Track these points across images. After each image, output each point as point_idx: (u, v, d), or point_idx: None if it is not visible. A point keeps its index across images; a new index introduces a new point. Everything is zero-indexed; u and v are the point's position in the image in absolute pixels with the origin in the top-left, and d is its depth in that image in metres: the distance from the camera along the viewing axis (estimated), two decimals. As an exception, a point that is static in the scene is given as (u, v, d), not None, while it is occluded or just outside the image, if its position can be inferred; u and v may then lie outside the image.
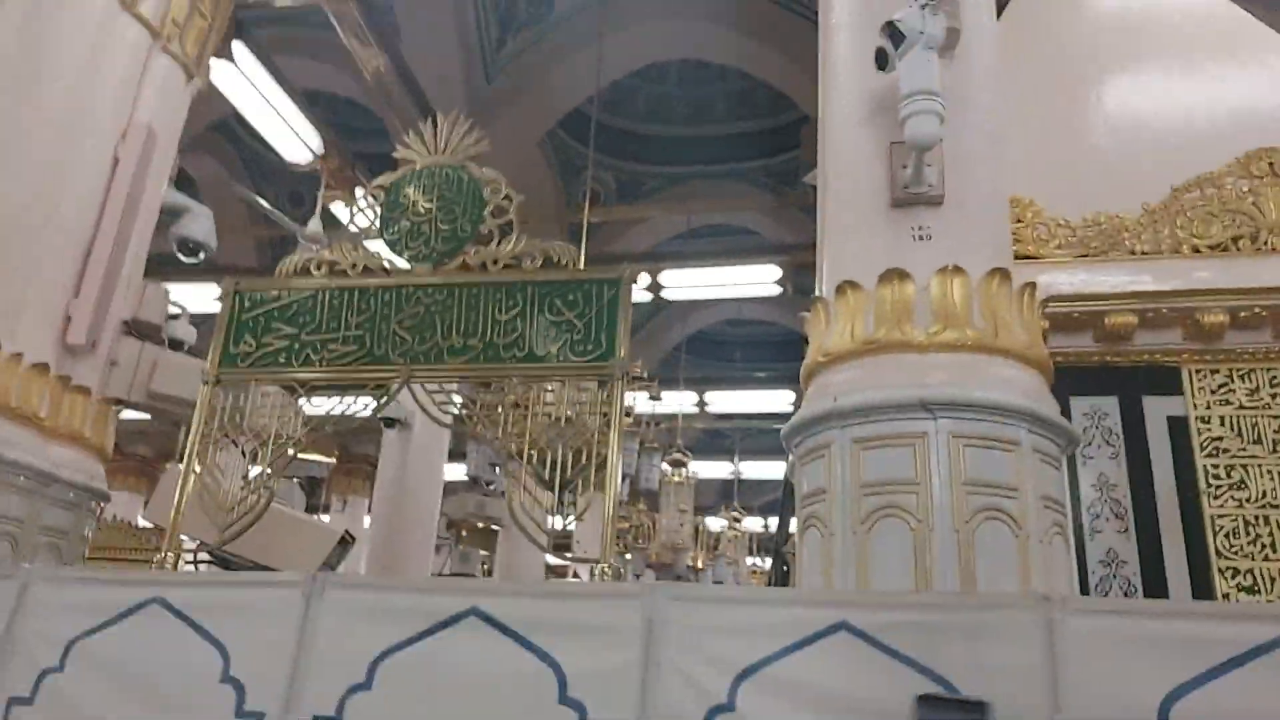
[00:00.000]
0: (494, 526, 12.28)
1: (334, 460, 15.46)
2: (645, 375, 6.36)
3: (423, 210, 4.46)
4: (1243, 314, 3.54)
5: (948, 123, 3.42)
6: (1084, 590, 3.43)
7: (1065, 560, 2.93)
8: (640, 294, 11.03)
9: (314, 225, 8.13)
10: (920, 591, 2.71)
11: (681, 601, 2.69)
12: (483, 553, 12.46)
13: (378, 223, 4.50)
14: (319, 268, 4.46)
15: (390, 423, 9.14)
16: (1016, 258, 3.86)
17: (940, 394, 2.89)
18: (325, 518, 14.23)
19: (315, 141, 8.04)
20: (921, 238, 3.26)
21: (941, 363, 3.00)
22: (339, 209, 8.71)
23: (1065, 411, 3.74)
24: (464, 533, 12.42)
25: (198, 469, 4.15)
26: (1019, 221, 3.92)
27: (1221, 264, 3.64)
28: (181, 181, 6.30)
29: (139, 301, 5.17)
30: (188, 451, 4.20)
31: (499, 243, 4.30)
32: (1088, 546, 3.56)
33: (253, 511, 4.07)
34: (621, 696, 2.63)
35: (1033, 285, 3.35)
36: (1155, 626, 2.29)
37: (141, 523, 8.75)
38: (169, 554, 4.04)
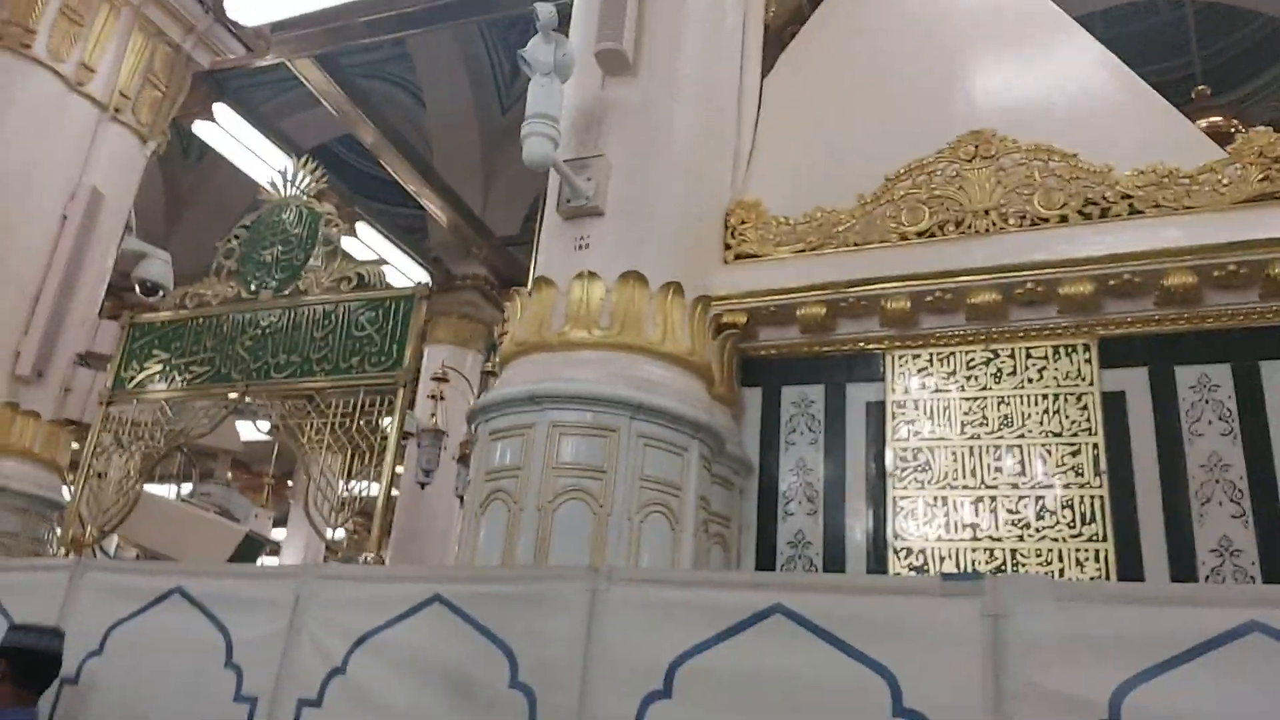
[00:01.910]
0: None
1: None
2: (446, 378, 6.79)
3: (269, 243, 5.11)
4: (928, 299, 3.61)
5: (619, 137, 3.75)
6: (769, 569, 3.60)
7: (669, 536, 3.16)
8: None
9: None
10: (499, 566, 3.04)
11: (326, 579, 3.12)
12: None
13: (237, 258, 5.17)
14: (191, 300, 5.19)
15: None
16: (741, 257, 4.08)
17: (547, 388, 3.21)
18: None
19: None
20: (581, 246, 3.58)
21: (558, 360, 3.31)
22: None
23: (776, 401, 3.94)
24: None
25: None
26: (744, 223, 4.11)
27: (926, 250, 3.69)
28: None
29: (92, 337, 6.09)
30: (82, 461, 5.02)
31: (326, 268, 4.88)
32: (779, 528, 3.69)
33: (122, 510, 4.83)
34: (270, 659, 3.07)
35: (706, 298, 3.62)
36: (672, 594, 2.44)
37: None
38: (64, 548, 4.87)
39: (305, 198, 5.15)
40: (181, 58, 6.95)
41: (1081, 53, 4.16)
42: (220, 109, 7.93)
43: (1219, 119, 6.78)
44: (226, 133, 8.08)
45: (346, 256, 5.05)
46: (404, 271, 9.89)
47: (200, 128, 8.00)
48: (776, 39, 5.13)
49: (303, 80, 7.96)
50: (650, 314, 3.42)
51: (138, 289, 6.72)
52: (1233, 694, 1.82)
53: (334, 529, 4.32)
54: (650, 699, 2.48)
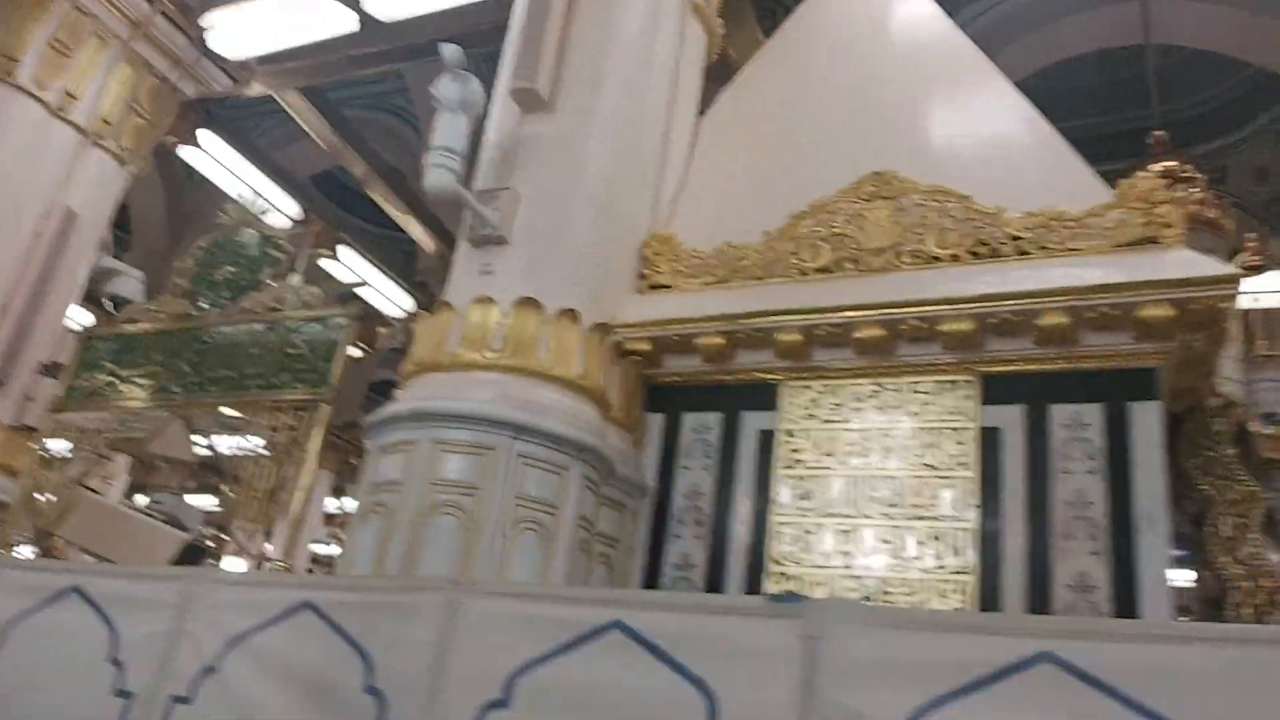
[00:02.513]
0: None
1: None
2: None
3: (222, 263, 5.31)
4: (817, 333, 3.70)
5: (531, 171, 3.91)
6: (653, 587, 3.67)
7: (540, 553, 3.25)
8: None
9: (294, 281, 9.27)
10: (368, 576, 3.15)
11: (210, 583, 3.25)
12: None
13: (190, 277, 5.36)
14: (145, 315, 5.38)
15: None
16: (655, 287, 4.20)
17: (431, 406, 3.33)
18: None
19: (293, 209, 9.19)
20: (485, 273, 3.73)
21: (454, 381, 3.44)
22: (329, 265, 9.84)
23: (676, 426, 4.03)
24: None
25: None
26: (658, 255, 4.23)
27: (820, 286, 3.79)
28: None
29: (58, 348, 6.31)
30: (27, 466, 5.19)
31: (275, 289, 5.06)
32: (665, 549, 3.75)
33: (60, 512, 4.98)
34: (151, 656, 3.18)
35: (604, 325, 3.75)
36: (522, 607, 2.54)
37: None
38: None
39: (258, 221, 5.34)
40: (168, 88, 7.25)
41: (997, 99, 4.28)
42: (206, 135, 8.21)
43: (1173, 164, 6.87)
44: (212, 158, 8.35)
45: (330, 277, 5.23)
46: (387, 295, 10.11)
47: (186, 152, 8.28)
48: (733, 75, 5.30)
49: (290, 113, 8.25)
50: (544, 339, 3.54)
51: (108, 303, 6.95)
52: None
53: (260, 537, 4.45)
54: (489, 708, 2.56)
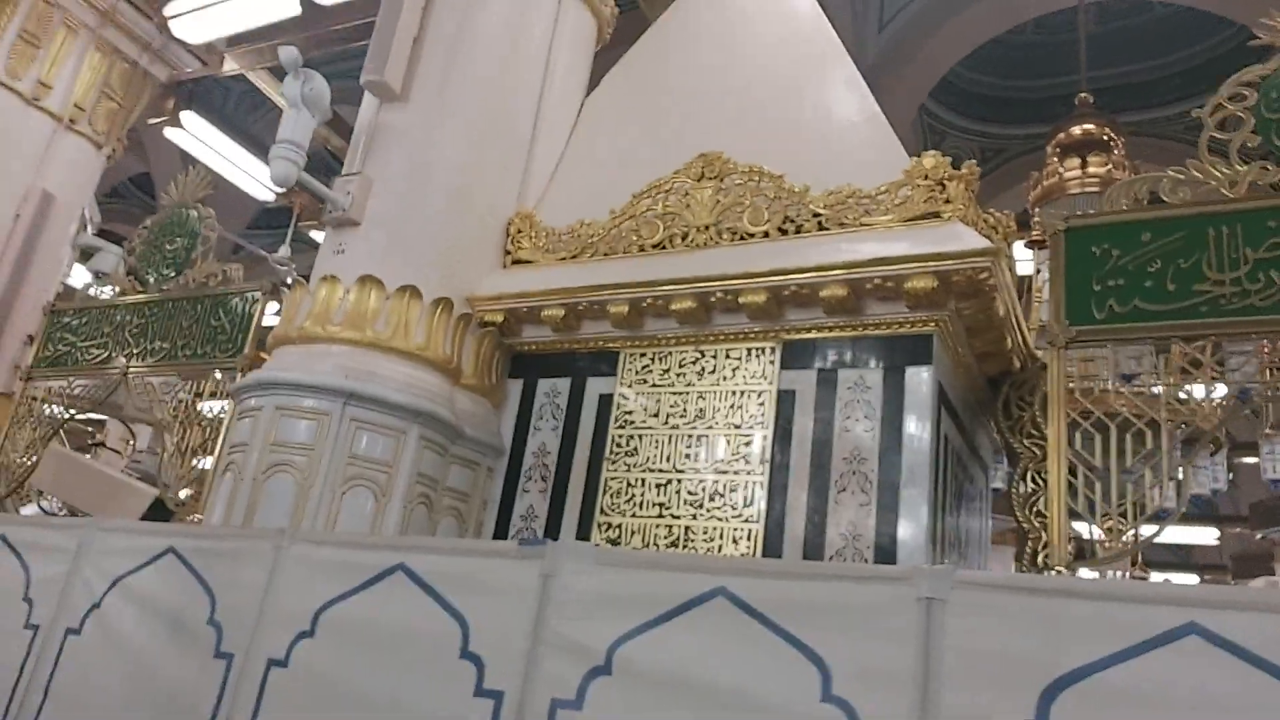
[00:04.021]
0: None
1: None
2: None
3: (165, 241, 5.81)
4: (643, 304, 4.02)
5: (385, 156, 4.28)
6: (503, 536, 4.09)
7: (372, 507, 3.69)
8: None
9: (283, 251, 9.81)
10: (217, 526, 3.63)
11: (103, 531, 3.76)
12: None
13: (138, 255, 5.88)
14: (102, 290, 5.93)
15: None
16: (518, 263, 4.57)
17: (274, 376, 3.78)
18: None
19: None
20: (338, 252, 4.13)
21: (300, 353, 3.87)
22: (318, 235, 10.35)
23: (533, 391, 4.42)
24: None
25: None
26: (520, 232, 4.57)
27: (650, 261, 4.09)
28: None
29: (39, 324, 6.91)
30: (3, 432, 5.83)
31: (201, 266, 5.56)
32: (515, 503, 4.17)
33: (26, 469, 5.60)
34: (54, 595, 3.71)
35: (446, 300, 4.11)
36: (331, 553, 2.98)
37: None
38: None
39: (195, 202, 5.82)
40: (139, 72, 7.74)
41: (834, 80, 4.49)
42: (190, 117, 8.71)
43: (1091, 126, 6.92)
44: (196, 138, 8.86)
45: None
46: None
47: (173, 134, 8.80)
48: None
49: (264, 91, 8.70)
50: (385, 313, 3.94)
51: (90, 277, 7.52)
52: (700, 648, 2.21)
53: (177, 492, 5.00)
54: (299, 638, 3.03)
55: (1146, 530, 3.53)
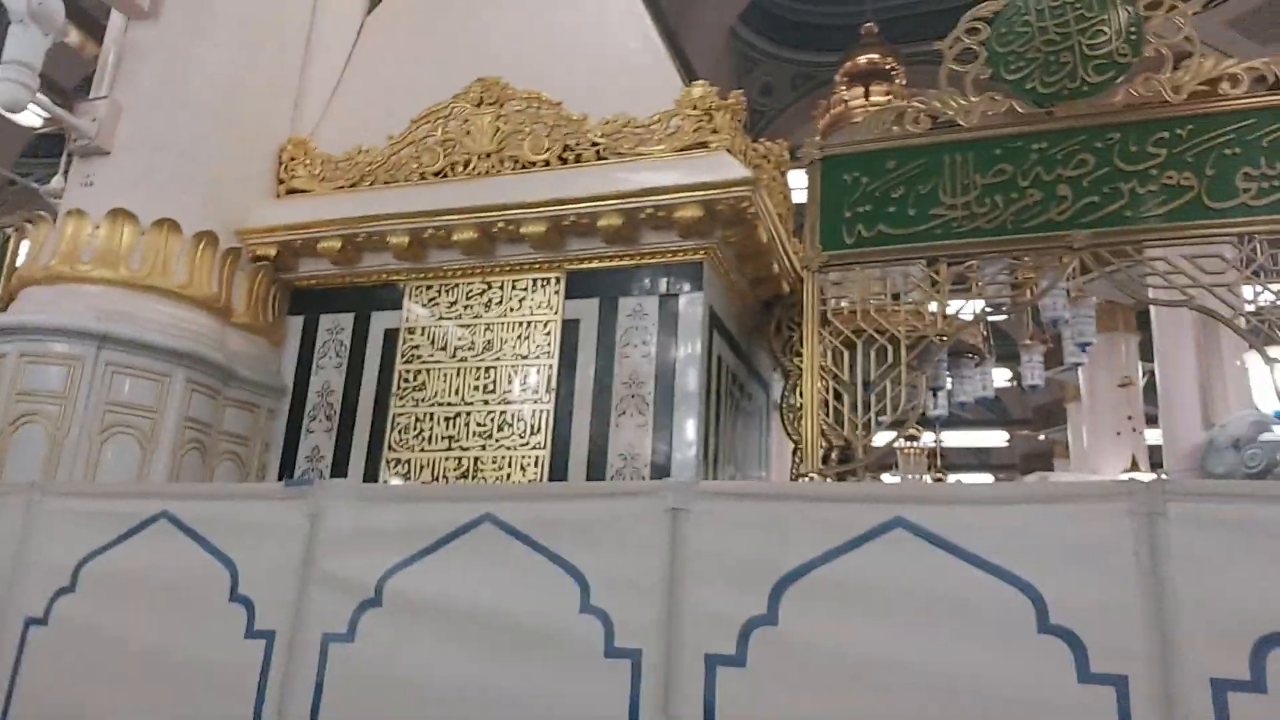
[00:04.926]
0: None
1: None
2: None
3: None
4: (425, 235, 3.98)
5: (136, 79, 3.95)
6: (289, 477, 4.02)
7: (137, 454, 3.53)
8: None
9: (56, 182, 8.84)
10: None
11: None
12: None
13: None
14: None
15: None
16: (293, 192, 4.37)
17: (17, 320, 3.49)
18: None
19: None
20: (86, 184, 3.81)
21: (47, 294, 3.59)
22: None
23: (314, 328, 4.29)
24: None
25: None
26: (294, 160, 4.38)
27: (430, 190, 4.04)
28: None
29: None
30: None
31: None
32: (300, 444, 4.11)
33: None
34: None
35: (210, 233, 3.89)
36: (87, 504, 2.80)
37: None
38: None
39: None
40: None
41: (613, 3, 4.49)
42: None
43: (875, 56, 7.31)
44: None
45: None
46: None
47: None
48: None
49: None
50: (140, 249, 3.69)
51: None
52: (467, 573, 2.25)
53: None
54: (59, 594, 2.86)
55: (890, 436, 3.88)
